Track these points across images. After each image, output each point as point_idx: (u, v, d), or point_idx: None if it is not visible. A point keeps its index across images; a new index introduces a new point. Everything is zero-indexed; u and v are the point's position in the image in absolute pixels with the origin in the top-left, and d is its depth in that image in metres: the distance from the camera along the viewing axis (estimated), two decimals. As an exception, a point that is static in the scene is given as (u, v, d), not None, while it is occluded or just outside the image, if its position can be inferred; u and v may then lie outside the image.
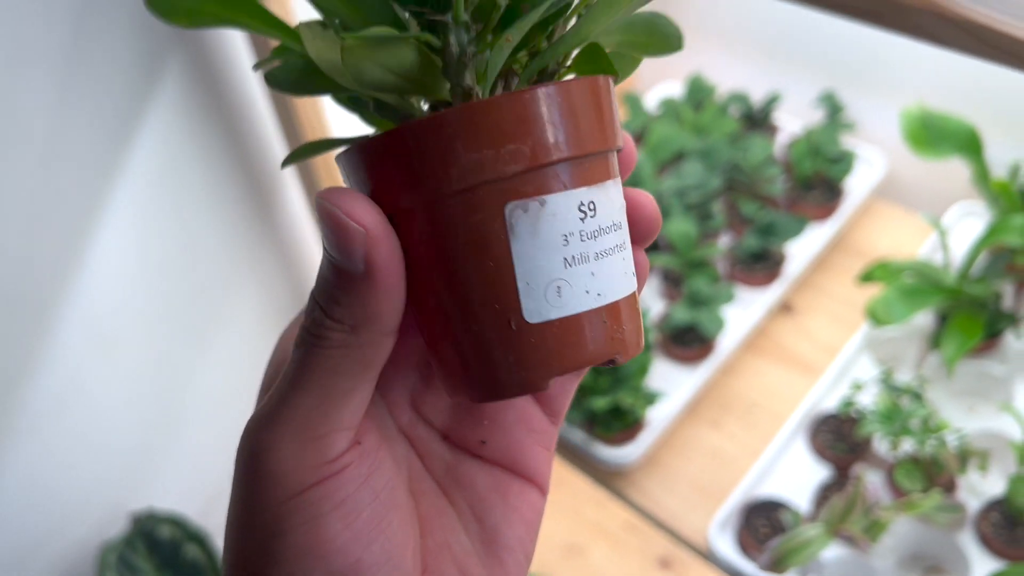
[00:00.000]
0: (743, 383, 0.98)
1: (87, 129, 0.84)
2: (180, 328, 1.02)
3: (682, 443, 0.93)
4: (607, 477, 0.91)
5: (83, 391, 0.96)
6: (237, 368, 1.11)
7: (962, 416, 0.88)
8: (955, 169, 1.09)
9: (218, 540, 1.06)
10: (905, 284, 0.83)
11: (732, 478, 0.89)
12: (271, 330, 1.12)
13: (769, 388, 0.97)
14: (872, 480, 0.83)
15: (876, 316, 0.82)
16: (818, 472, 0.85)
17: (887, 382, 0.80)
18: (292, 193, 1.05)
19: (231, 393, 1.12)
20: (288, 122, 0.92)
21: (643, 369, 0.87)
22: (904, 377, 0.95)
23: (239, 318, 1.08)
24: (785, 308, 1.04)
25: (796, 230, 0.96)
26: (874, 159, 1.12)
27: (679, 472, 0.91)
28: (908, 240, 1.09)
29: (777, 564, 0.69)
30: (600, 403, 0.83)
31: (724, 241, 1.07)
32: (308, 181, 0.98)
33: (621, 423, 0.85)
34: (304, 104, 0.91)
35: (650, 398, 0.85)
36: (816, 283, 1.07)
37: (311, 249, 1.11)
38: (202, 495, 1.16)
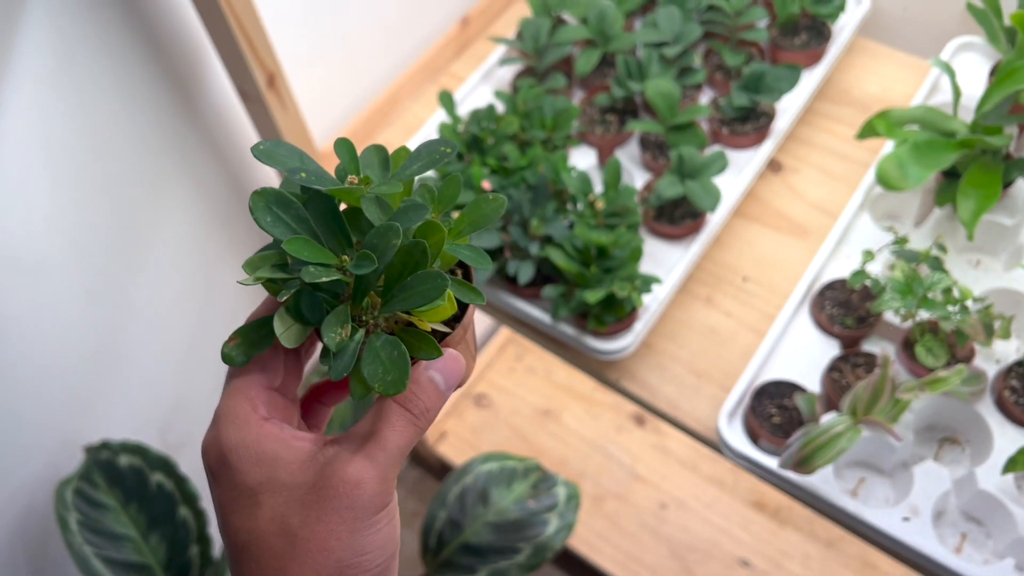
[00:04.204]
0: (734, 253, 0.91)
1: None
2: (107, 241, 0.90)
3: (675, 325, 0.87)
4: (597, 367, 0.85)
5: (11, 323, 0.85)
6: (177, 274, 1.00)
7: (969, 272, 0.83)
8: (938, 2, 1.00)
9: (182, 463, 0.99)
10: (918, 140, 0.76)
11: (731, 359, 0.84)
12: (210, 227, 1.01)
13: (762, 257, 0.90)
14: (885, 349, 0.79)
15: (888, 180, 0.74)
16: (824, 347, 0.80)
17: (902, 250, 0.74)
18: (215, 72, 0.91)
19: (173, 303, 1.02)
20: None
21: (637, 254, 0.79)
22: (904, 230, 0.89)
23: (172, 219, 0.96)
24: (772, 166, 0.96)
25: (791, 82, 0.87)
26: (859, -8, 1.01)
27: (674, 356, 0.85)
28: (899, 83, 1.01)
29: (804, 463, 0.64)
30: (593, 296, 0.75)
31: (705, 97, 0.97)
32: (231, 55, 0.84)
33: (614, 315, 0.78)
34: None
35: (646, 285, 0.78)
36: (802, 136, 0.98)
37: (244, 130, 0.98)
38: (156, 419, 1.07)
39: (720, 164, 0.83)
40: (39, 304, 0.87)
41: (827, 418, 0.69)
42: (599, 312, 0.78)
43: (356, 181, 0.37)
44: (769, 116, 0.91)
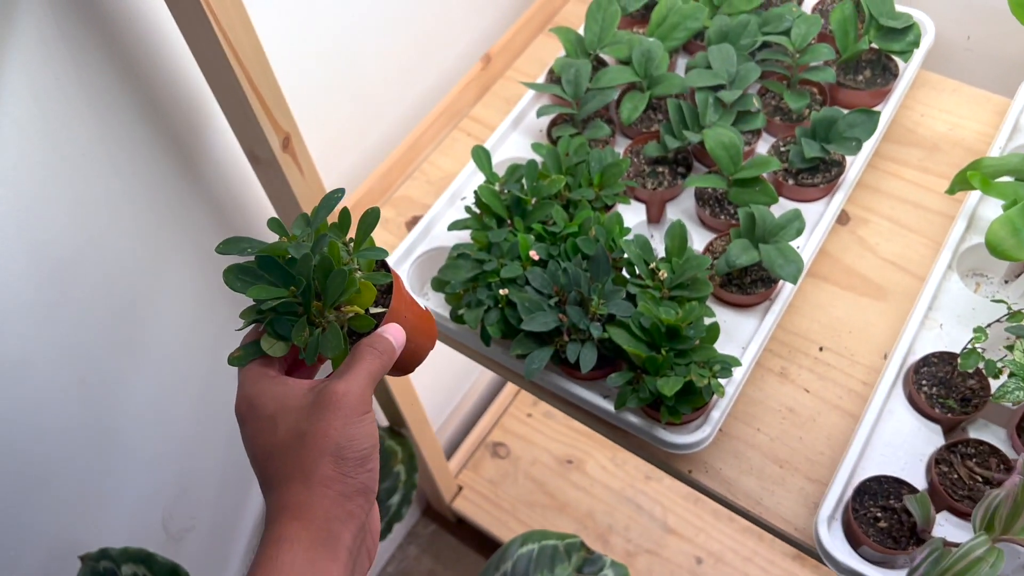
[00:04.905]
0: (806, 319, 0.82)
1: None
2: (101, 327, 0.79)
3: (748, 404, 0.77)
4: (665, 457, 0.75)
5: (-11, 425, 0.75)
6: (179, 355, 0.90)
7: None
8: (1007, 32, 0.92)
9: (186, 552, 0.88)
10: (1030, 200, 0.67)
11: (815, 444, 0.75)
12: (216, 303, 0.90)
13: (838, 322, 0.81)
14: (994, 433, 0.70)
15: (1002, 249, 0.66)
16: (925, 434, 0.71)
17: (1020, 327, 0.65)
18: (220, 134, 0.81)
19: (175, 386, 0.91)
20: (202, 32, 0.67)
21: (714, 334, 0.70)
22: (991, 288, 0.81)
23: (173, 298, 0.85)
24: (839, 217, 0.87)
25: (868, 129, 0.78)
26: (923, 24, 0.93)
27: (751, 442, 0.76)
28: (968, 119, 0.92)
29: (942, 595, 0.55)
30: (670, 388, 0.66)
31: (764, 144, 0.88)
32: (242, 118, 0.74)
33: (691, 404, 0.69)
34: (225, 10, 0.66)
35: (726, 368, 0.68)
36: (867, 182, 0.90)
37: (253, 197, 0.88)
38: (158, 508, 0.96)
39: (798, 226, 0.74)
40: (27, 400, 0.77)
41: (944, 525, 0.60)
42: (674, 403, 0.68)
43: (285, 241, 0.52)
44: (841, 166, 0.82)
